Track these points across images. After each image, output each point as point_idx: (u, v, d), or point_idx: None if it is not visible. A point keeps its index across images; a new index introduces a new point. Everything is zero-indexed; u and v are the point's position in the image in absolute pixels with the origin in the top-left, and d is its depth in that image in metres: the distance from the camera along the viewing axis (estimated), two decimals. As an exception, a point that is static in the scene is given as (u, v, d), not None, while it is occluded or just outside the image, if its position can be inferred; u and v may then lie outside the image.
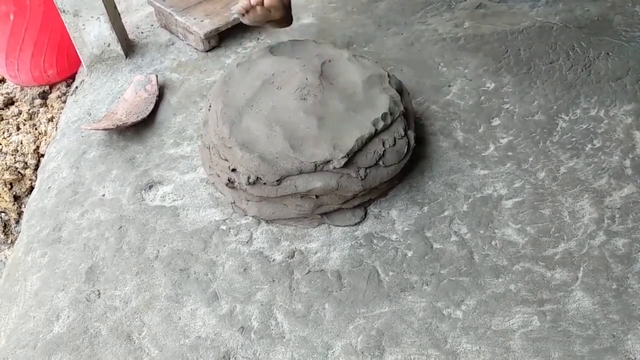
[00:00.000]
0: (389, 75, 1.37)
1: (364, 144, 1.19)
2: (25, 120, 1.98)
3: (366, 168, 1.19)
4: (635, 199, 1.28)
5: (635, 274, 1.13)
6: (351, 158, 1.17)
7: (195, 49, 1.90)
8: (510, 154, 1.42)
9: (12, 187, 1.77)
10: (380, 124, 1.22)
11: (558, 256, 1.18)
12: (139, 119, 1.56)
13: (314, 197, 1.23)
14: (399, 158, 1.24)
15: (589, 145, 1.43)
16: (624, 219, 1.24)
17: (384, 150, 1.21)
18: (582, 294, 1.10)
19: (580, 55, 1.74)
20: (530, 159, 1.40)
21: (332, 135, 1.18)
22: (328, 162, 1.16)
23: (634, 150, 1.40)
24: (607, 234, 1.21)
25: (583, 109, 1.54)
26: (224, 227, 1.29)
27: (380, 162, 1.21)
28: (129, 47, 1.93)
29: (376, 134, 1.21)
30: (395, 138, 1.23)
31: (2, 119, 1.99)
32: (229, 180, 1.23)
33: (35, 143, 1.87)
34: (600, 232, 1.21)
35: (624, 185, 1.31)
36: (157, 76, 1.72)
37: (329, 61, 1.37)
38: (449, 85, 1.65)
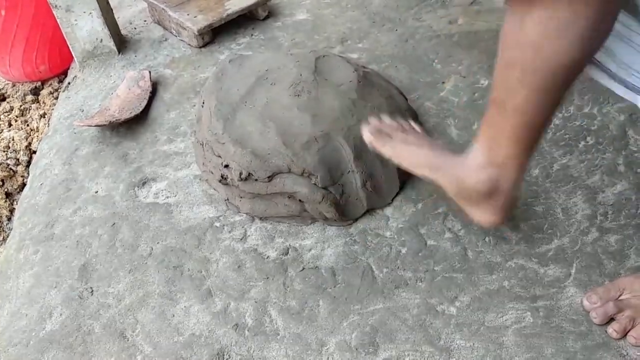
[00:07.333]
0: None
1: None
2: (16, 117, 1.97)
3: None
4: (628, 195, 1.28)
5: (627, 270, 1.14)
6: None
7: (189, 44, 1.89)
8: (504, 150, 1.42)
9: (3, 184, 1.76)
10: (375, 121, 1.22)
11: (551, 252, 1.18)
12: (132, 115, 1.55)
13: (299, 200, 1.22)
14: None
15: (582, 142, 1.43)
16: (617, 216, 1.24)
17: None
18: (575, 290, 1.11)
19: (574, 52, 1.74)
20: (524, 155, 1.40)
21: (326, 132, 1.18)
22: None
23: (627, 147, 1.41)
24: (600, 231, 1.21)
25: (577, 106, 1.54)
26: (217, 224, 1.28)
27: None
28: (122, 43, 1.92)
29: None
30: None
31: (-6, 115, 1.98)
32: (222, 176, 1.23)
33: (27, 139, 1.85)
34: (593, 229, 1.22)
35: (616, 182, 1.32)
36: (150, 72, 1.70)
37: (324, 57, 1.37)
38: (443, 82, 1.65)
